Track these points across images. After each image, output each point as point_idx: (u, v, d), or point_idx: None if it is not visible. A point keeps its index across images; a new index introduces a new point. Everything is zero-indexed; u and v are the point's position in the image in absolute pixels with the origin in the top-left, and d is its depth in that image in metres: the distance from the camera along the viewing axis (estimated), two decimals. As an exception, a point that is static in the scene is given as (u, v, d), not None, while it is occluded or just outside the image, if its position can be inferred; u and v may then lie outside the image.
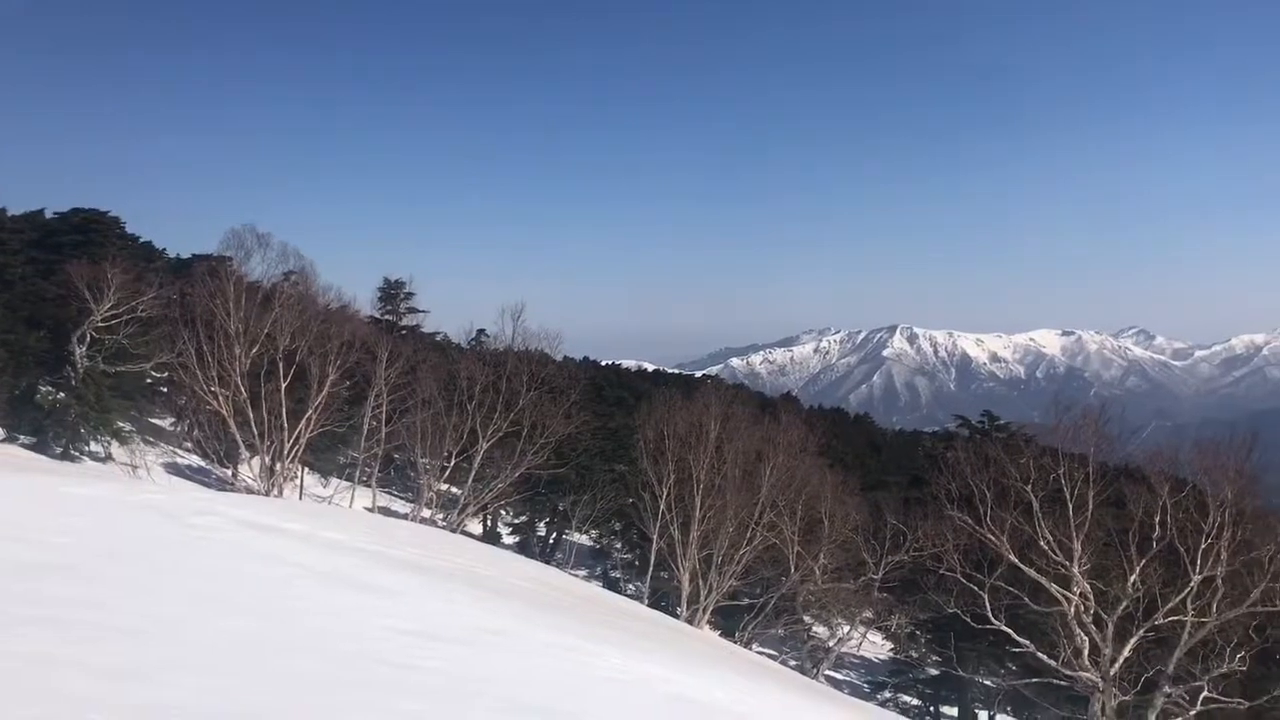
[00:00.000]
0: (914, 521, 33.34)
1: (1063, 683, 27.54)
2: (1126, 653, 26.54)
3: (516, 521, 47.19)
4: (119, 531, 11.77)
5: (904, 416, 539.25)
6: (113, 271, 35.56)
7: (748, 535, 34.32)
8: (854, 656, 42.70)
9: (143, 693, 5.36)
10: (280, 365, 34.12)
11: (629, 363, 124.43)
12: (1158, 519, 26.65)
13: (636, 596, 35.85)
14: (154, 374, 40.33)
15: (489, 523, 46.14)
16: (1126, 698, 26.73)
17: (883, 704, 35.23)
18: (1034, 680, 28.65)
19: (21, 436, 35.53)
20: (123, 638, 6.50)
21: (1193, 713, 26.65)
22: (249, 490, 33.99)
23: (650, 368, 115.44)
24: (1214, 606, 26.02)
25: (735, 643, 32.56)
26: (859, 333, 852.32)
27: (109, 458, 36.07)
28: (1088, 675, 26.52)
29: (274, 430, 34.16)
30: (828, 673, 36.66)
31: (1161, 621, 26.44)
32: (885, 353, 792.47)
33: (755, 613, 35.16)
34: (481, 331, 49.20)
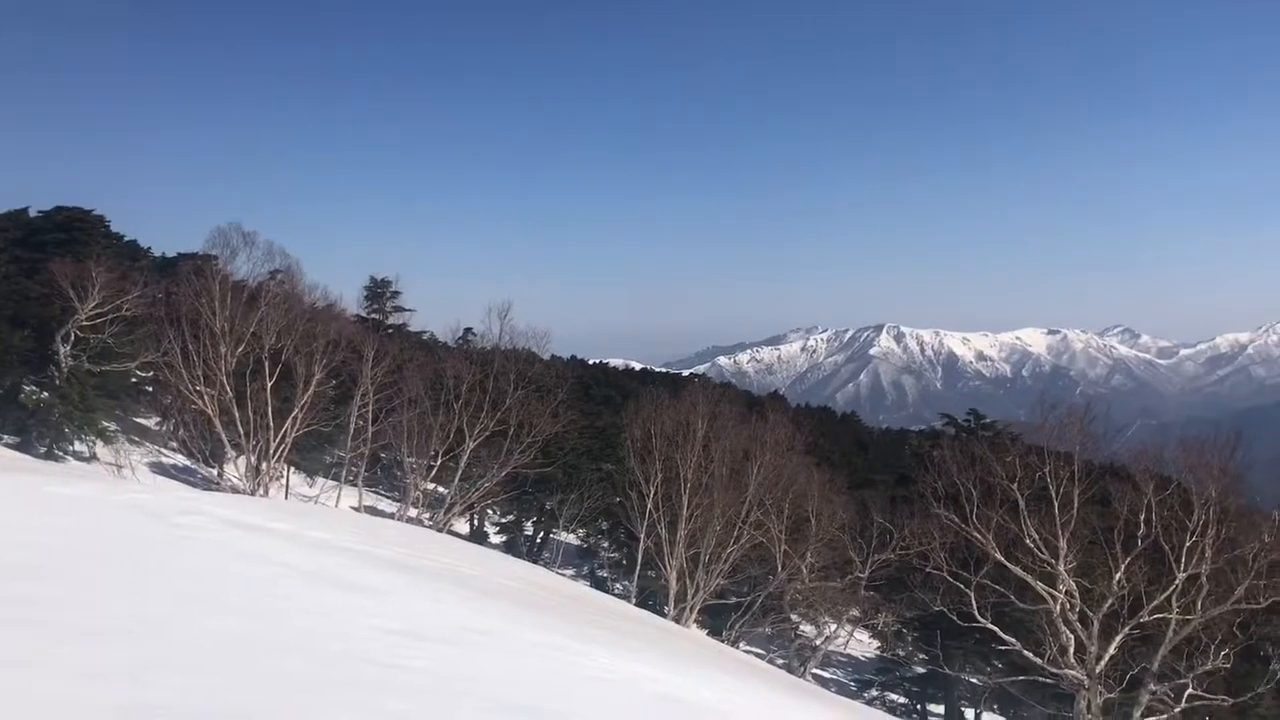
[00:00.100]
0: (900, 520, 33.43)
1: (1048, 680, 27.65)
2: (1112, 650, 26.65)
3: (503, 521, 47.13)
4: (103, 531, 11.71)
5: (891, 415, 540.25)
6: (97, 270, 35.39)
7: (735, 534, 34.35)
8: (841, 655, 42.78)
9: (128, 693, 5.33)
10: (266, 364, 34.01)
11: (616, 361, 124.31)
12: (1143, 517, 26.78)
13: (624, 595, 35.84)
14: (139, 373, 40.16)
15: (476, 522, 46.07)
16: (1112, 695, 26.85)
17: (869, 702, 35.33)
18: (1020, 678, 28.77)
19: (5, 436, 35.36)
20: (107, 638, 6.47)
21: (1177, 710, 26.78)
22: (234, 490, 33.85)
23: (637, 366, 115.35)
24: (1198, 604, 26.16)
25: (722, 641, 32.58)
26: (846, 331, 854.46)
27: (93, 457, 35.91)
28: (1073, 673, 26.63)
29: (259, 430, 34.04)
30: (815, 671, 36.72)
31: (1146, 619, 26.57)
32: (872, 351, 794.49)
33: (742, 611, 35.20)
34: (468, 330, 49.14)
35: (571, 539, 47.67)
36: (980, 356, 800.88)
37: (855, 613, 38.05)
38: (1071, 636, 26.85)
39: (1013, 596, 27.56)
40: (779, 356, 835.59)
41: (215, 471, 35.92)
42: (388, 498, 45.81)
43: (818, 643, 37.29)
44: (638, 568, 36.13)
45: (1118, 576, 26.66)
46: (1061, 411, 31.08)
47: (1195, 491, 26.82)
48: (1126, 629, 26.67)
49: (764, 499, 34.88)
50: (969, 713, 37.21)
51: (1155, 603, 26.46)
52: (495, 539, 45.76)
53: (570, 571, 44.05)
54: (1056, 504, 27.15)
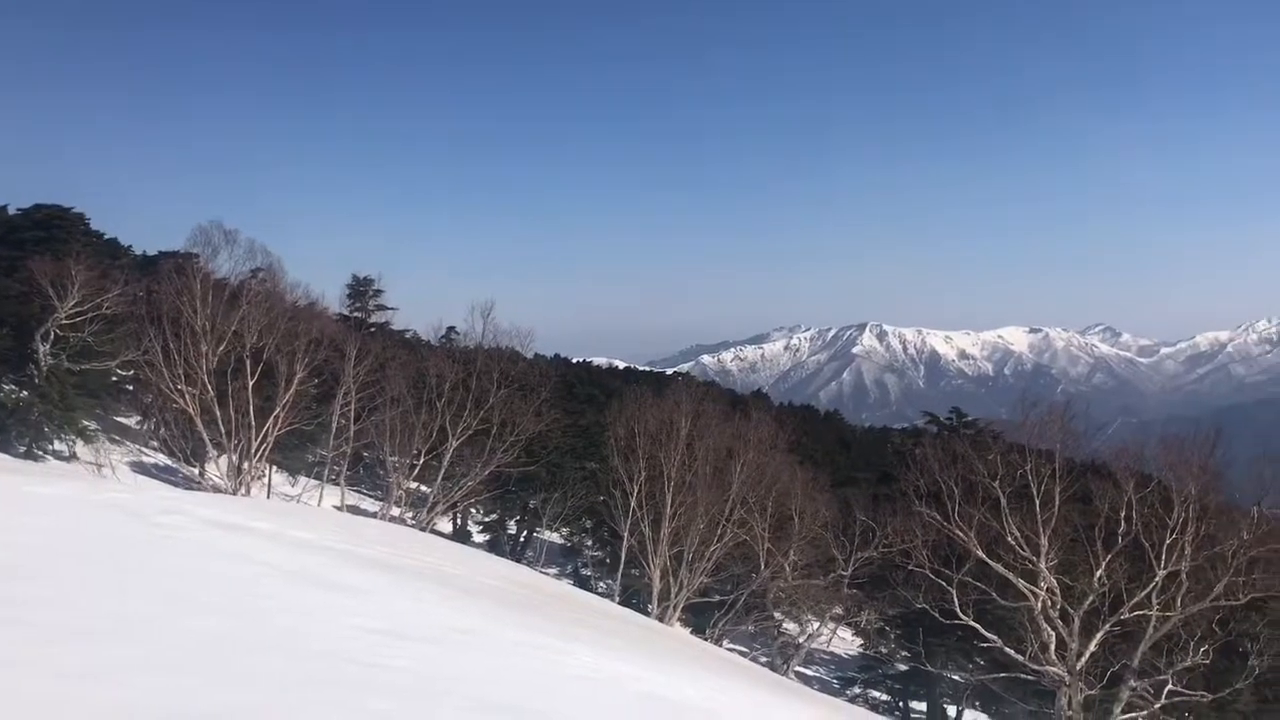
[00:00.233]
0: (883, 518, 33.52)
1: (1030, 677, 27.76)
2: (1092, 647, 26.78)
3: (487, 519, 47.05)
4: (84, 531, 11.66)
5: (873, 413, 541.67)
6: (77, 268, 35.14)
7: (718, 532, 34.40)
8: (824, 652, 42.90)
9: (109, 693, 5.31)
10: (247, 363, 33.87)
11: (600, 360, 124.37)
12: (1123, 514, 26.92)
13: (607, 594, 35.85)
14: (119, 372, 39.88)
15: (459, 521, 46.00)
16: (1092, 692, 26.99)
17: (852, 700, 35.40)
18: (1001, 675, 28.89)
19: (-16, 435, 35.08)
20: (88, 638, 6.44)
21: (1157, 706, 26.94)
22: (216, 489, 33.71)
23: (621, 365, 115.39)
24: (1178, 601, 26.31)
25: (706, 640, 32.63)
26: (829, 330, 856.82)
27: (73, 457, 35.67)
28: (1054, 669, 26.76)
29: (241, 428, 33.91)
30: (798, 669, 36.79)
31: (1127, 616, 26.70)
32: (855, 350, 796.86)
33: (726, 609, 35.25)
34: (451, 329, 49.05)
35: (555, 538, 47.64)
36: (962, 355, 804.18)
37: (838, 610, 38.16)
38: (1052, 633, 26.98)
39: (994, 594, 27.65)
40: (762, 355, 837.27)
41: (196, 471, 35.75)
42: (370, 497, 45.66)
43: (801, 640, 37.37)
44: (621, 566, 36.14)
45: (1098, 574, 26.80)
46: (1043, 410, 31.25)
47: (1175, 489, 26.96)
48: (1107, 626, 26.80)
49: (747, 497, 34.93)
50: (951, 710, 37.34)
51: (1136, 600, 26.60)
52: (478, 538, 45.68)
53: (554, 570, 44.02)
54: (1038, 502, 27.27)
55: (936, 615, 28.99)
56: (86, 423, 36.74)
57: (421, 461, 37.34)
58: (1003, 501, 27.42)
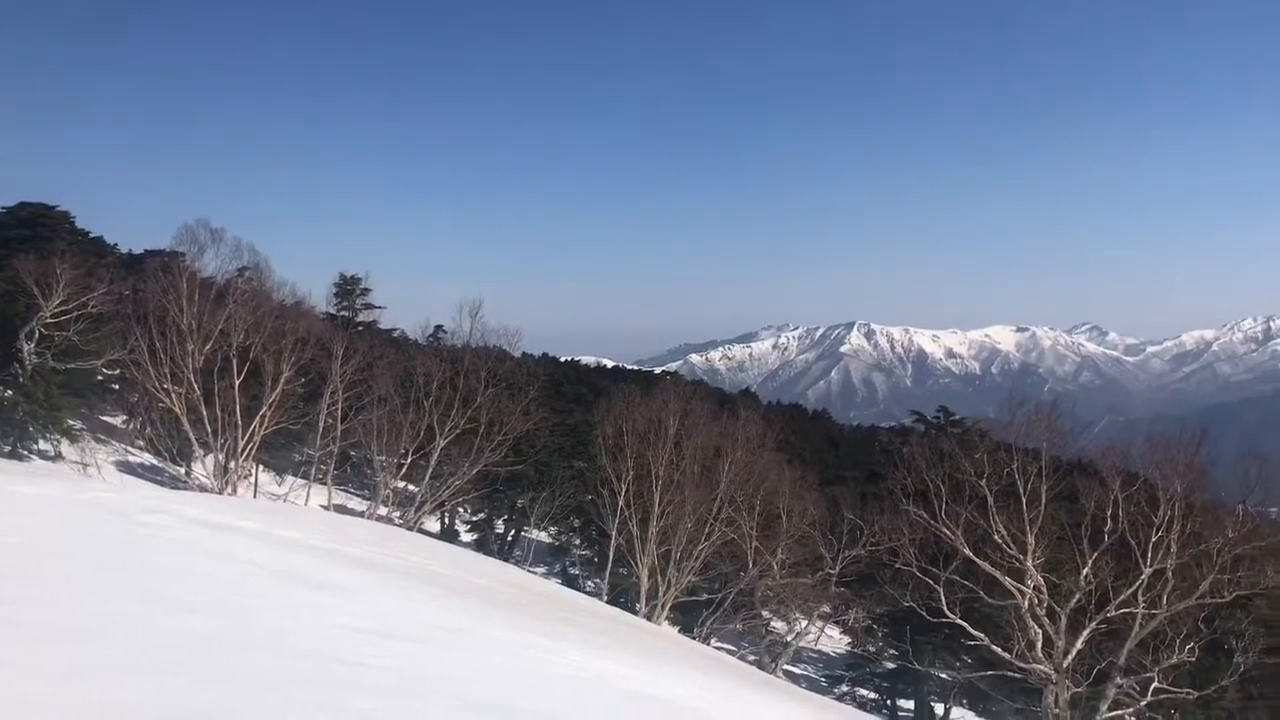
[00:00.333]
0: (871, 516, 33.57)
1: (1017, 675, 27.84)
2: (1079, 645, 26.88)
3: (474, 519, 46.98)
4: (68, 531, 11.60)
5: (861, 412, 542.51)
6: (62, 267, 34.99)
7: (706, 531, 34.42)
8: (812, 651, 42.96)
9: (94, 694, 5.28)
10: (234, 362, 33.77)
11: (588, 359, 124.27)
12: (1109, 513, 27.02)
13: (595, 593, 35.83)
14: (105, 371, 39.74)
15: (446, 520, 45.91)
16: (1079, 689, 27.08)
17: (840, 698, 35.47)
18: (989, 673, 28.97)
19: (-32, 435, 34.89)
20: (73, 638, 6.41)
21: (1143, 703, 27.06)
22: (202, 488, 33.60)
23: (609, 364, 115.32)
24: (1164, 599, 26.42)
25: (694, 638, 32.65)
26: (817, 329, 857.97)
27: (59, 456, 35.51)
28: (1041, 667, 26.84)
29: (228, 428, 33.80)
30: (786, 667, 36.84)
31: (1113, 614, 26.81)
32: (843, 349, 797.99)
33: (714, 608, 35.28)
34: (439, 328, 48.94)
35: (543, 537, 47.59)
36: (950, 354, 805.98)
37: (826, 609, 38.22)
38: (1039, 631, 27.06)
39: (981, 592, 27.73)
40: (750, 354, 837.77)
41: (183, 470, 35.62)
42: (358, 496, 45.55)
43: (789, 639, 37.42)
44: (609, 565, 36.12)
45: (1085, 572, 26.89)
46: (1030, 408, 31.36)
47: (1161, 487, 27.08)
48: (1093, 624, 26.90)
49: (735, 496, 34.96)
50: (938, 707, 37.42)
51: (1122, 597, 26.70)
52: (466, 537, 45.61)
53: (542, 569, 43.98)
54: (1024, 500, 27.35)
55: (924, 613, 29.06)
56: (72, 422, 36.59)
57: (409, 461, 37.27)
58: (990, 500, 27.50)
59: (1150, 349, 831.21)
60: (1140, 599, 26.66)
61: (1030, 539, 27.15)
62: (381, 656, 7.80)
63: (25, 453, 34.67)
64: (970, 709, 38.59)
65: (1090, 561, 26.88)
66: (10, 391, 34.85)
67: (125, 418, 42.74)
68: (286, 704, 5.88)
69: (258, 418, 34.31)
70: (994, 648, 27.55)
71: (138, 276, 39.20)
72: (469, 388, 36.61)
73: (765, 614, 37.90)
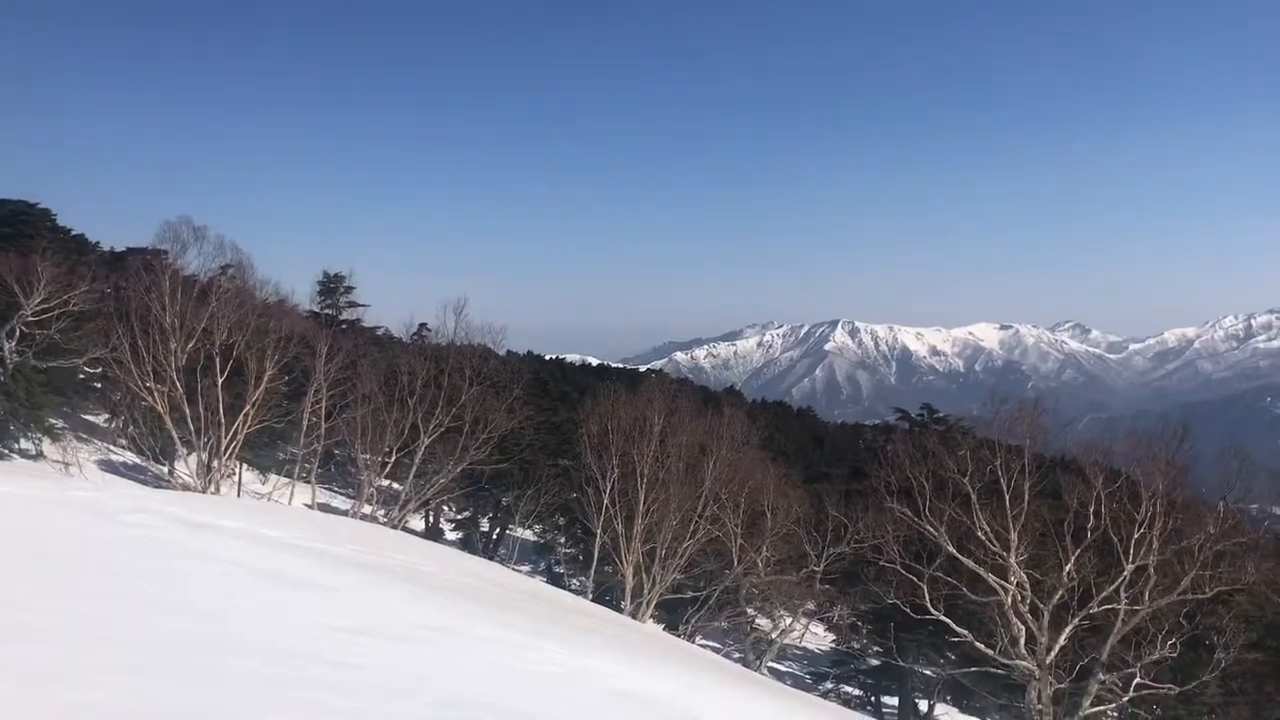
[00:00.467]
0: (855, 513, 33.62)
1: (1000, 671, 27.96)
2: (1062, 641, 27.00)
3: (459, 517, 46.91)
4: (49, 530, 11.54)
5: (845, 409, 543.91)
6: (43, 264, 34.74)
7: (691, 528, 34.42)
8: (796, 648, 43.04)
9: (73, 695, 5.26)
10: (217, 360, 33.60)
11: (573, 357, 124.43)
12: (1092, 509, 27.17)
13: (580, 591, 35.82)
14: (87, 369, 39.50)
15: (431, 519, 45.82)
16: (1062, 685, 27.21)
17: (825, 695, 35.54)
18: (972, 669, 29.08)
19: (-52, 434, 34.65)
20: (52, 639, 6.37)
21: (1125, 699, 27.22)
22: (186, 487, 33.44)
23: (594, 362, 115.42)
24: (1146, 595, 26.57)
25: (679, 636, 32.67)
26: (801, 327, 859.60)
27: (40, 455, 35.29)
28: (1024, 663, 26.96)
29: (211, 426, 33.64)
30: (770, 664, 36.89)
31: (1096, 610, 26.94)
32: (827, 346, 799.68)
33: (699, 606, 35.29)
34: (423, 326, 48.85)
35: (528, 535, 47.55)
36: (934, 351, 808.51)
37: (810, 606, 38.26)
38: (1022, 628, 27.18)
39: (965, 589, 27.83)
40: (735, 352, 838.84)
41: (166, 469, 35.45)
42: (342, 495, 45.42)
43: (773, 636, 37.46)
44: (594, 563, 36.10)
45: (1067, 568, 27.03)
46: (1013, 406, 31.48)
47: (1143, 484, 27.23)
48: (1076, 620, 27.03)
49: (720, 493, 34.98)
50: (922, 704, 37.53)
51: (1104, 594, 26.84)
52: (451, 535, 45.52)
53: (527, 567, 43.95)
54: (1008, 497, 27.47)
55: (908, 610, 29.15)
56: (53, 421, 36.37)
57: (393, 459, 37.17)
58: (973, 497, 27.61)
59: (1132, 346, 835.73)
60: (1122, 595, 26.80)
61: (1013, 536, 27.27)
62: (364, 655, 7.79)
63: (6, 452, 34.45)
64: (954, 705, 38.74)
65: (1073, 558, 27.01)
66: (-9, 390, 34.61)
67: (107, 416, 42.51)
68: (269, 703, 5.86)
69: (241, 416, 34.16)
70: (977, 644, 27.65)
71: (120, 274, 38.97)
72: (453, 386, 36.53)
73: (750, 611, 37.93)
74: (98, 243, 57.21)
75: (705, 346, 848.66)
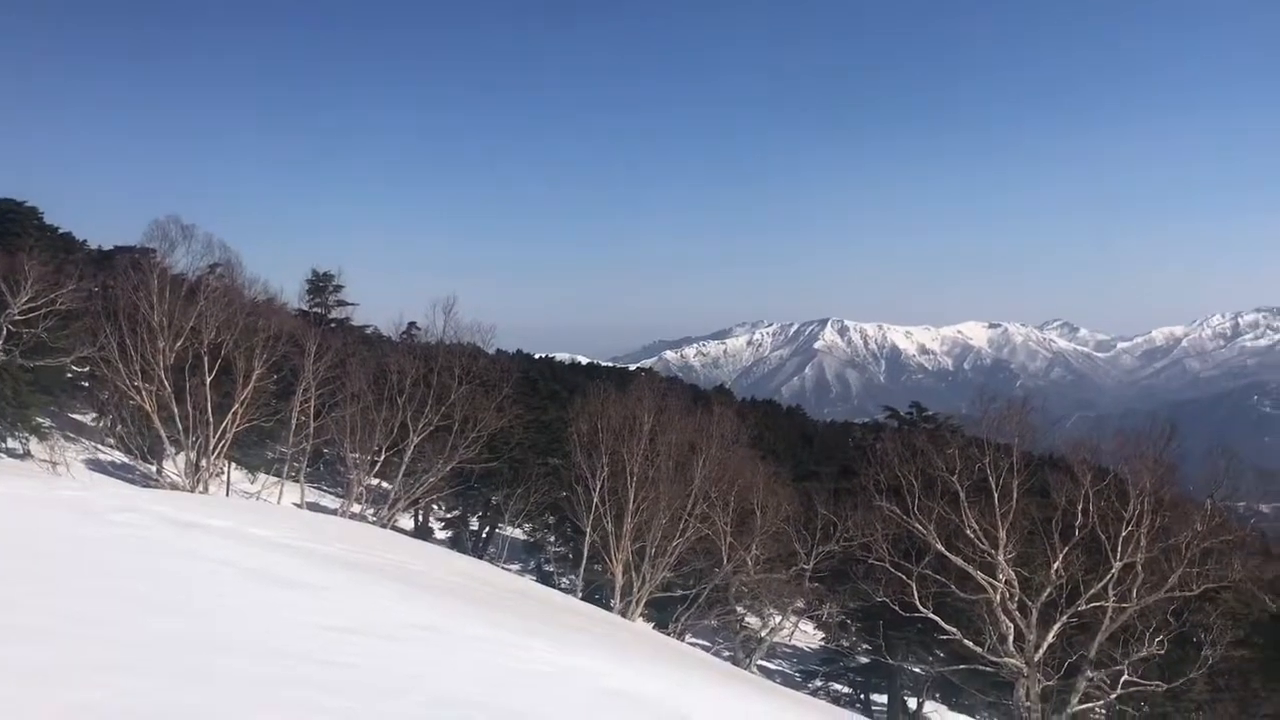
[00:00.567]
0: (844, 512, 33.67)
1: (989, 668, 28.04)
2: (1050, 638, 27.09)
3: (448, 516, 46.87)
4: (37, 529, 11.50)
5: (835, 408, 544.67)
6: (30, 263, 34.59)
7: (681, 527, 34.44)
8: (786, 646, 43.12)
9: (61, 695, 5.25)
10: (205, 359, 33.50)
11: (563, 356, 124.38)
12: (1080, 507, 27.24)
13: (570, 590, 35.83)
14: (74, 368, 39.38)
15: (420, 518, 45.79)
16: (1050, 682, 27.30)
17: (814, 693, 35.60)
18: (961, 667, 29.14)
19: (-65, 433, 34.51)
20: (40, 638, 6.36)
21: (1113, 696, 27.32)
22: (174, 486, 33.34)
23: (584, 361, 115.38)
24: (1134, 592, 26.67)
25: (668, 634, 32.70)
26: (791, 325, 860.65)
27: (27, 454, 35.17)
28: (1013, 661, 27.04)
29: (199, 425, 33.54)
30: (760, 663, 36.96)
31: (1084, 607, 27.02)
32: (817, 345, 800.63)
33: (688, 604, 35.32)
34: (412, 324, 48.81)
35: (517, 534, 47.54)
36: (923, 350, 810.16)
37: (800, 604, 38.33)
38: (1011, 625, 27.26)
39: (953, 586, 27.90)
40: (725, 350, 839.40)
41: (154, 468, 35.33)
42: (331, 494, 45.36)
43: (763, 634, 37.51)
44: (584, 562, 36.10)
45: (1056, 566, 27.12)
46: (1002, 404, 31.53)
47: (1131, 482, 27.32)
48: (1064, 617, 27.11)
49: (709, 492, 35.00)
50: (911, 702, 37.64)
51: (1092, 591, 26.93)
52: (440, 534, 45.49)
53: (516, 566, 43.94)
54: (996, 495, 27.54)
55: (897, 608, 29.21)
56: (41, 420, 36.26)
57: (382, 458, 37.09)
58: (962, 495, 27.68)
59: (1121, 345, 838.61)
60: (1110, 593, 26.90)
61: (1002, 534, 27.34)
62: (354, 654, 7.78)
63: (-7, 451, 34.35)
64: (943, 703, 38.86)
65: (1061, 556, 27.09)
66: (-22, 389, 34.46)
67: (95, 415, 42.37)
68: (259, 703, 5.86)
69: (229, 415, 34.06)
70: (966, 642, 27.72)
71: (107, 273, 38.83)
72: (442, 384, 36.47)
73: (740, 610, 37.96)
74: (85, 241, 57.10)
75: (695, 345, 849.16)
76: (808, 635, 43.70)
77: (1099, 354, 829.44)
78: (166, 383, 32.85)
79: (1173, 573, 26.36)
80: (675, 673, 13.79)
